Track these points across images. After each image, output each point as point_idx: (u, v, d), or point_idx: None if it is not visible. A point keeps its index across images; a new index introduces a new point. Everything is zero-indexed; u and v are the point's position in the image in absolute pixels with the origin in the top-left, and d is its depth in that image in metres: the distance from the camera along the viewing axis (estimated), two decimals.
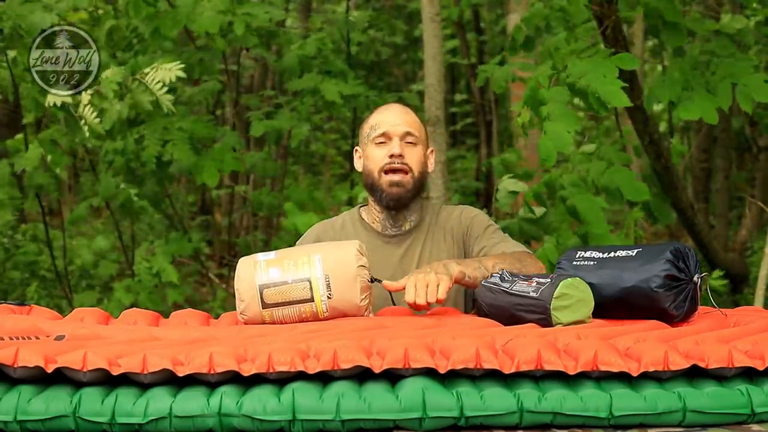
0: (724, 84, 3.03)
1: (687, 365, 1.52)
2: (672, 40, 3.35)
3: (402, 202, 2.27)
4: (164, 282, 4.78)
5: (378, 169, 2.26)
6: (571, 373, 1.51)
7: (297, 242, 2.40)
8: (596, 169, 3.61)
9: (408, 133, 2.26)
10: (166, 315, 2.15)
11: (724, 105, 3.03)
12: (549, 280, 1.84)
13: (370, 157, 2.29)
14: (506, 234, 2.33)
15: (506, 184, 4.16)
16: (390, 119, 2.28)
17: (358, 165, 2.37)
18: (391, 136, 2.25)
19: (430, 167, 2.35)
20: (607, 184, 3.53)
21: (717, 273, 4.50)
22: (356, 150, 2.38)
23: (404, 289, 1.97)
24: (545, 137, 2.86)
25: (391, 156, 2.24)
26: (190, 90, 5.53)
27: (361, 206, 2.41)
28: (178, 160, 4.33)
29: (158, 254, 4.83)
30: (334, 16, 6.56)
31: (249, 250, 5.76)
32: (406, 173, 2.25)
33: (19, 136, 5.20)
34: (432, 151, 2.36)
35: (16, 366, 1.47)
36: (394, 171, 2.25)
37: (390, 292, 2.15)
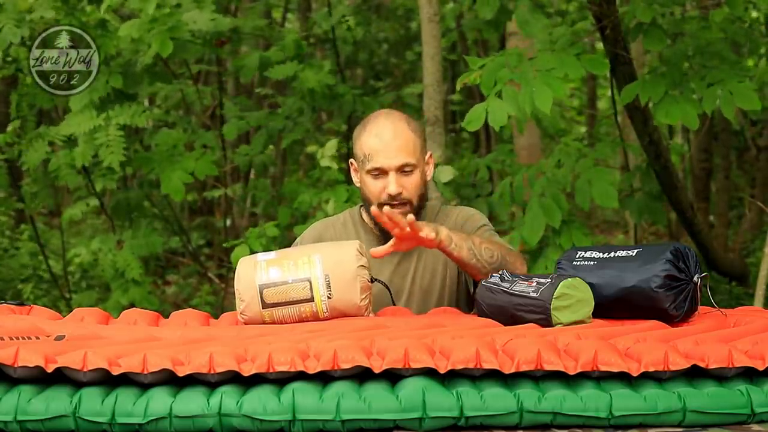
0: (711, 90, 3.03)
1: (687, 365, 1.52)
2: (652, 43, 3.35)
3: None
4: (127, 278, 4.54)
5: (376, 203, 2.19)
6: (571, 373, 1.51)
7: (296, 241, 2.40)
8: (583, 166, 3.61)
9: (404, 164, 2.18)
10: (166, 315, 2.15)
11: (707, 108, 3.03)
12: (549, 280, 1.85)
13: (366, 185, 2.23)
14: (497, 235, 2.31)
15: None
16: (383, 150, 2.17)
17: (354, 179, 2.32)
18: (387, 170, 2.18)
19: (429, 175, 2.29)
20: (582, 185, 3.52)
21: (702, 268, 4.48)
22: (351, 162, 2.32)
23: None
24: (500, 101, 2.84)
25: (389, 195, 2.17)
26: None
27: (362, 206, 2.40)
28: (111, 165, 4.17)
29: (125, 249, 4.60)
30: (320, 15, 6.53)
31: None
32: (405, 205, 2.19)
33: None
34: (431, 155, 2.31)
35: (16, 366, 1.47)
36: (393, 206, 2.17)
37: (390, 293, 2.15)
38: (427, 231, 2.01)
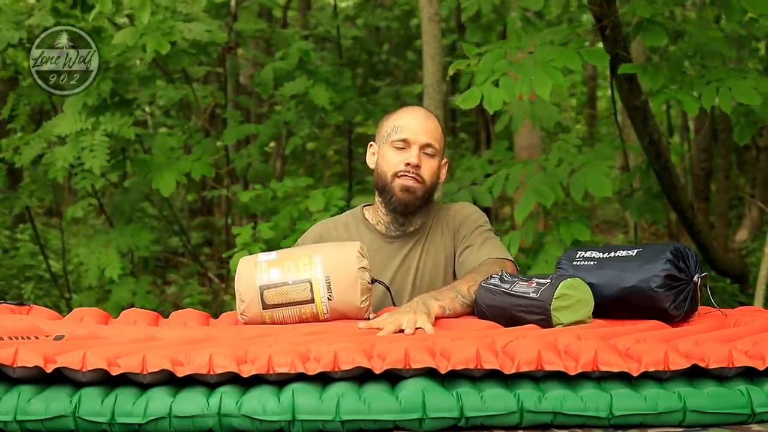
0: (710, 87, 3.05)
1: (687, 365, 1.52)
2: (652, 39, 3.37)
3: (409, 209, 2.27)
4: (107, 278, 4.54)
5: (392, 173, 2.25)
6: (572, 373, 1.51)
7: (298, 241, 2.40)
8: (581, 161, 3.62)
9: (428, 144, 2.25)
10: (165, 315, 2.15)
11: (706, 104, 3.05)
12: (549, 280, 1.84)
13: (385, 158, 2.27)
14: (494, 236, 2.31)
15: None
16: (414, 125, 2.26)
17: (371, 161, 2.36)
18: (411, 143, 2.24)
19: (442, 178, 2.34)
20: (577, 178, 3.53)
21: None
22: (371, 145, 2.37)
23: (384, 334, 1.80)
24: (496, 88, 2.85)
25: (407, 164, 2.22)
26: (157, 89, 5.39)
27: (364, 206, 2.40)
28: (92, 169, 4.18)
29: (112, 248, 4.57)
30: (323, 12, 6.52)
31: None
32: (419, 182, 2.24)
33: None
34: (446, 162, 2.35)
35: (15, 366, 1.47)
36: (408, 178, 2.23)
37: (390, 293, 2.15)
38: (422, 321, 1.83)
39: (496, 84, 2.92)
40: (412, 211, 2.28)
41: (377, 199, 2.33)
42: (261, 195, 4.46)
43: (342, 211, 3.02)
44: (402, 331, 1.79)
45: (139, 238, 4.70)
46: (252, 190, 4.50)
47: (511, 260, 2.23)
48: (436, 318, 1.91)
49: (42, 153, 4.39)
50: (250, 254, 3.96)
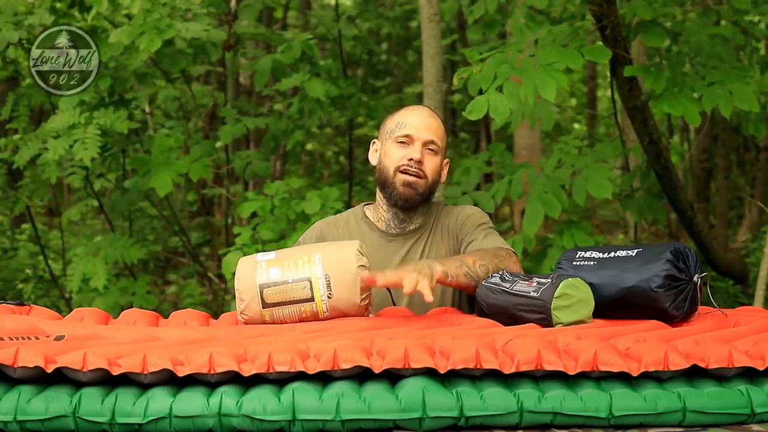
0: (711, 89, 3.06)
1: (687, 365, 1.52)
2: (652, 40, 3.37)
3: (410, 204, 2.28)
4: (92, 287, 4.55)
5: (394, 168, 2.27)
6: (571, 373, 1.51)
7: (299, 239, 2.41)
8: (582, 162, 3.63)
9: (431, 141, 2.27)
10: (165, 315, 2.15)
11: (707, 107, 3.06)
12: (549, 280, 1.85)
13: (388, 154, 2.29)
14: (496, 233, 2.32)
15: None
16: (417, 122, 2.28)
17: (373, 158, 2.37)
18: (414, 139, 2.26)
19: (443, 178, 2.35)
20: (579, 181, 3.53)
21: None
22: (374, 142, 2.39)
23: (382, 283, 1.90)
24: (502, 95, 2.85)
25: (410, 160, 2.24)
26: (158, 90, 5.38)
27: (365, 204, 2.42)
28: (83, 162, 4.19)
29: (99, 257, 4.57)
30: (324, 11, 6.51)
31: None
32: (421, 178, 2.26)
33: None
34: (447, 162, 2.37)
35: (15, 366, 1.47)
36: (410, 173, 2.25)
37: (390, 293, 2.16)
38: (422, 284, 1.88)
39: (500, 90, 2.92)
40: (413, 206, 2.29)
41: (378, 195, 2.35)
42: (262, 206, 4.44)
43: (339, 212, 3.04)
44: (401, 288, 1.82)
45: (129, 253, 4.68)
46: (252, 201, 4.46)
47: (515, 252, 2.24)
48: (439, 282, 1.95)
49: (39, 153, 4.40)
50: (245, 255, 3.98)
